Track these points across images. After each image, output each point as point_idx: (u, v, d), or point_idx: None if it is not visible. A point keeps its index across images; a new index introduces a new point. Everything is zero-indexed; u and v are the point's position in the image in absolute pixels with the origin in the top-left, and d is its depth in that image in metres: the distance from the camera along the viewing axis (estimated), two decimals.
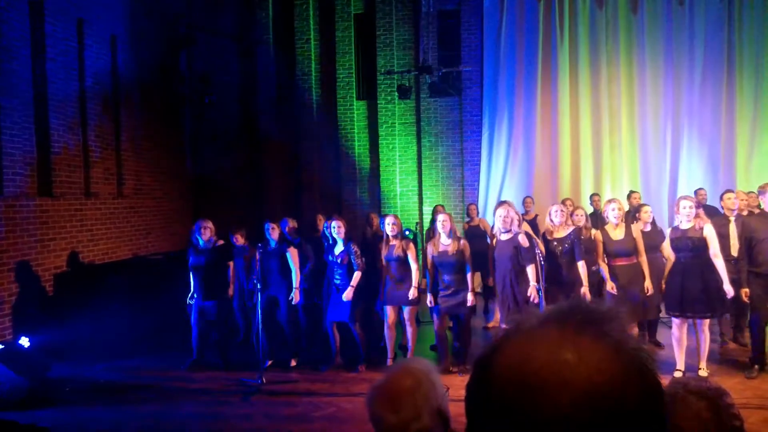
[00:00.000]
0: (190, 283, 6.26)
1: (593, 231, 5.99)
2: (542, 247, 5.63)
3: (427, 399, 1.34)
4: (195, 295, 6.19)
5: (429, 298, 5.77)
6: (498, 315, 5.79)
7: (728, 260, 5.73)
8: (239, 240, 6.86)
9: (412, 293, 5.75)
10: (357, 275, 5.85)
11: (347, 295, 5.80)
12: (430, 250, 5.74)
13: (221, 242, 6.44)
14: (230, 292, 6.60)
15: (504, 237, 5.59)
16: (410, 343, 5.87)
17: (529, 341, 0.61)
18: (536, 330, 0.62)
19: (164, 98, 9.65)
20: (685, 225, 5.28)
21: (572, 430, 0.55)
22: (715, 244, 5.21)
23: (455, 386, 1.27)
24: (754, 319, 5.36)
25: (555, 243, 5.68)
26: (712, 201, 7.99)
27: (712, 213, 6.92)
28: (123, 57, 8.62)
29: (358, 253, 5.90)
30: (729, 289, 5.14)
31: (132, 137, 8.81)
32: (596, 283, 5.82)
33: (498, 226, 5.58)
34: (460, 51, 10.34)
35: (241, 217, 8.37)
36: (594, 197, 8.56)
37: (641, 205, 6.28)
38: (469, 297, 5.65)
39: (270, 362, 5.96)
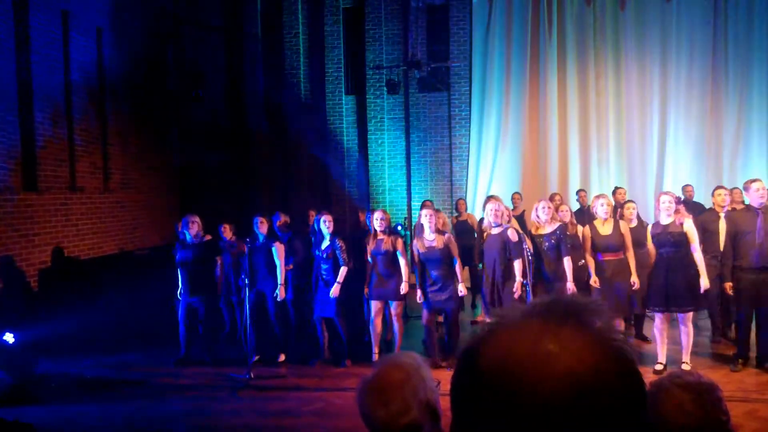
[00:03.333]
0: (178, 278, 6.21)
1: (579, 227, 6.06)
2: (530, 243, 5.66)
3: (417, 393, 1.34)
4: (181, 289, 6.14)
5: (419, 293, 5.77)
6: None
7: (715, 256, 5.80)
8: (227, 233, 6.82)
9: (404, 288, 5.75)
10: (343, 271, 5.84)
11: (334, 291, 5.79)
12: (417, 246, 5.75)
13: (208, 237, 6.40)
14: (219, 287, 6.57)
15: (493, 231, 5.61)
16: (397, 339, 5.88)
17: (512, 333, 0.63)
18: (520, 322, 0.64)
19: (151, 92, 9.55)
20: (665, 220, 5.34)
21: (554, 417, 0.57)
22: (696, 239, 5.29)
23: (445, 380, 1.27)
24: (738, 313, 5.43)
25: (541, 239, 5.71)
26: (698, 197, 8.08)
27: (699, 209, 7.00)
28: (109, 50, 8.51)
29: (344, 248, 5.90)
30: (705, 284, 5.23)
31: (118, 131, 8.71)
32: (584, 277, 5.87)
33: (489, 220, 5.58)
34: (449, 46, 10.34)
35: (229, 212, 8.32)
36: (580, 193, 8.63)
37: (625, 202, 6.33)
38: (460, 288, 5.68)
39: (257, 357, 5.92)
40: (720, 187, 6.34)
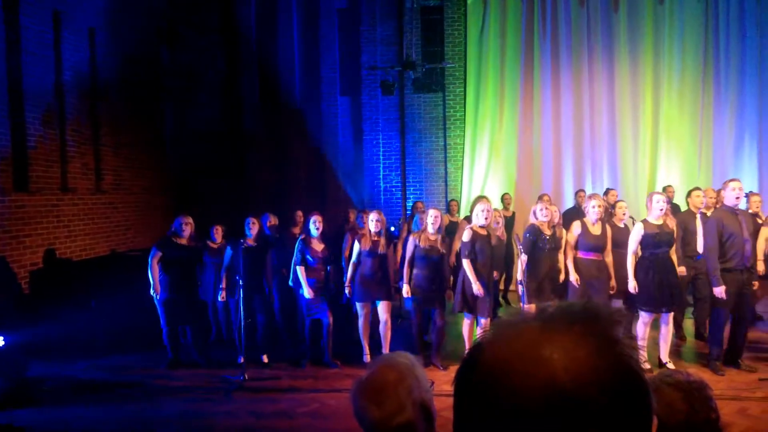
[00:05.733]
0: (153, 274, 5.98)
1: (563, 230, 6.13)
2: (515, 244, 5.72)
3: (411, 392, 1.35)
4: (168, 291, 6.00)
5: (405, 288, 5.77)
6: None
7: (691, 256, 5.88)
8: (218, 235, 6.80)
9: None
10: (331, 270, 5.94)
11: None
12: (416, 241, 5.74)
13: (199, 240, 6.37)
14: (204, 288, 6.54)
15: (482, 231, 5.64)
16: (384, 340, 5.88)
17: (514, 335, 0.63)
18: (523, 325, 0.63)
19: (145, 92, 9.51)
20: (658, 220, 5.38)
21: (535, 425, 0.56)
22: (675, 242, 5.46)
23: (439, 380, 1.28)
24: (719, 314, 5.41)
25: (544, 238, 5.73)
26: (679, 199, 8.14)
27: (675, 209, 7.10)
28: (102, 50, 8.47)
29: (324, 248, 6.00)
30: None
31: (111, 132, 8.67)
32: (560, 277, 5.95)
33: (480, 221, 5.61)
34: (444, 47, 10.37)
35: (223, 213, 8.30)
36: (579, 193, 8.69)
37: (617, 202, 6.37)
38: (447, 292, 5.73)
39: (243, 359, 5.78)
40: (696, 188, 6.43)
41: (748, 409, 4.57)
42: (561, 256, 5.83)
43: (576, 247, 5.71)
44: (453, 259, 6.92)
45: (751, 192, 6.68)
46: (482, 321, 5.60)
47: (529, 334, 0.61)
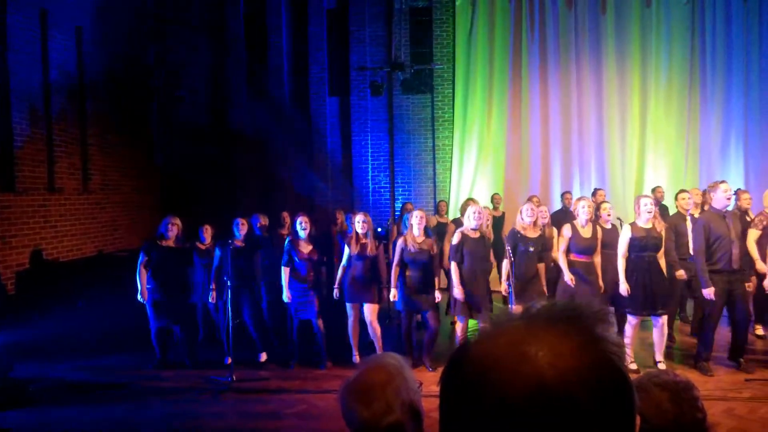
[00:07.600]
0: (142, 279, 5.96)
1: (554, 230, 6.17)
2: (505, 244, 5.75)
3: (399, 393, 1.35)
4: (156, 292, 5.96)
5: (393, 291, 5.76)
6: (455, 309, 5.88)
7: (684, 258, 5.90)
8: (207, 235, 6.76)
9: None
10: (323, 271, 5.89)
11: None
12: (403, 245, 5.73)
13: (187, 241, 6.34)
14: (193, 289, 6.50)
15: (474, 234, 5.64)
16: (376, 341, 5.87)
17: (499, 334, 0.63)
18: (509, 323, 0.64)
19: (133, 92, 9.44)
20: (646, 223, 5.41)
21: (521, 421, 0.56)
22: (665, 245, 5.49)
23: (427, 381, 1.29)
24: (708, 315, 5.44)
25: (527, 241, 5.74)
26: (669, 200, 8.22)
27: (663, 211, 7.15)
28: (89, 49, 8.40)
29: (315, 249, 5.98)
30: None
31: (98, 131, 8.60)
32: (554, 278, 5.98)
33: (471, 223, 5.61)
34: (432, 48, 10.39)
35: (211, 213, 8.26)
36: (565, 195, 8.74)
37: (601, 202, 6.41)
38: (437, 294, 5.72)
39: (230, 360, 5.73)
40: (683, 191, 6.48)
41: (734, 409, 4.62)
42: (553, 256, 5.85)
43: (567, 248, 5.73)
44: (447, 262, 6.89)
45: (740, 189, 6.72)
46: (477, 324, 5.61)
47: (514, 332, 0.62)
